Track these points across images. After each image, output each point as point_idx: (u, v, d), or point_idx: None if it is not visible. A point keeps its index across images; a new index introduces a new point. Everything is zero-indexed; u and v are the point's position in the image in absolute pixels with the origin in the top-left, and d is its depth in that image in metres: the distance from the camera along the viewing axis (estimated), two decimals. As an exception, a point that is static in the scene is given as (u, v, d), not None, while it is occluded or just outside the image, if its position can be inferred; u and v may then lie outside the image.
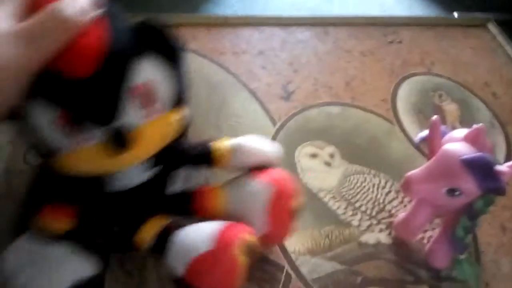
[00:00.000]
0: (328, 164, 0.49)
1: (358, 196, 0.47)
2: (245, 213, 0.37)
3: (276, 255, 0.41)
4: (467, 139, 0.35)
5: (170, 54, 0.30)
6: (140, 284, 0.37)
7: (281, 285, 0.39)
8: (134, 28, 0.29)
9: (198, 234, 0.33)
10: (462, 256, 0.39)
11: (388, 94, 0.58)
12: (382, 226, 0.44)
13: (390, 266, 0.42)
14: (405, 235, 0.42)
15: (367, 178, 0.48)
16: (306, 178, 0.47)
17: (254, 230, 0.34)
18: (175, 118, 0.33)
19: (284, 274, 0.40)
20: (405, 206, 0.46)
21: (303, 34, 0.65)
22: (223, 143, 0.40)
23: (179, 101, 0.33)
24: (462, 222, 0.37)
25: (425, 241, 0.44)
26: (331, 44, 0.64)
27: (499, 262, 0.43)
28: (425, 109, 0.57)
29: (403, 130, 0.54)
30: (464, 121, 0.57)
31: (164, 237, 0.35)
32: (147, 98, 0.30)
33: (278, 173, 0.38)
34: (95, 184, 0.33)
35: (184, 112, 0.34)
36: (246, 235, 0.33)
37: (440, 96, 0.59)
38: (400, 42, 0.66)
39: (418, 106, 0.57)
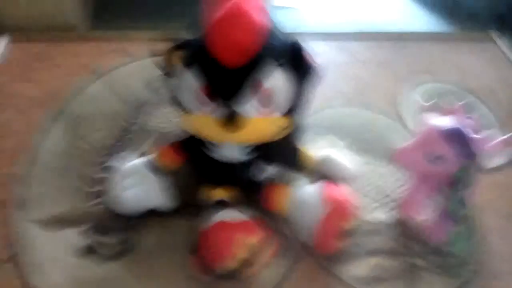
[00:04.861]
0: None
1: (366, 183, 0.52)
2: (299, 220, 0.42)
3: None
4: (446, 113, 0.41)
5: (302, 75, 0.38)
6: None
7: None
8: (286, 41, 0.38)
9: None
10: (458, 230, 0.43)
11: (395, 99, 0.64)
12: (386, 209, 0.50)
13: (389, 242, 0.46)
14: (408, 213, 0.47)
15: (374, 169, 0.54)
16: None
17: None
18: (280, 124, 0.40)
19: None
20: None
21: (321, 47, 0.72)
22: (313, 153, 0.47)
23: (291, 112, 0.40)
24: (451, 196, 0.41)
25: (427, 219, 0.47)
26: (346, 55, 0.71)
27: (500, 236, 0.47)
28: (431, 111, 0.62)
29: (408, 129, 0.60)
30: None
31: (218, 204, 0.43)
32: (266, 100, 0.37)
33: (341, 192, 0.42)
34: (203, 145, 0.42)
35: (292, 121, 0.41)
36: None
37: (446, 100, 0.63)
38: (409, 53, 0.72)
39: (423, 109, 0.62)
